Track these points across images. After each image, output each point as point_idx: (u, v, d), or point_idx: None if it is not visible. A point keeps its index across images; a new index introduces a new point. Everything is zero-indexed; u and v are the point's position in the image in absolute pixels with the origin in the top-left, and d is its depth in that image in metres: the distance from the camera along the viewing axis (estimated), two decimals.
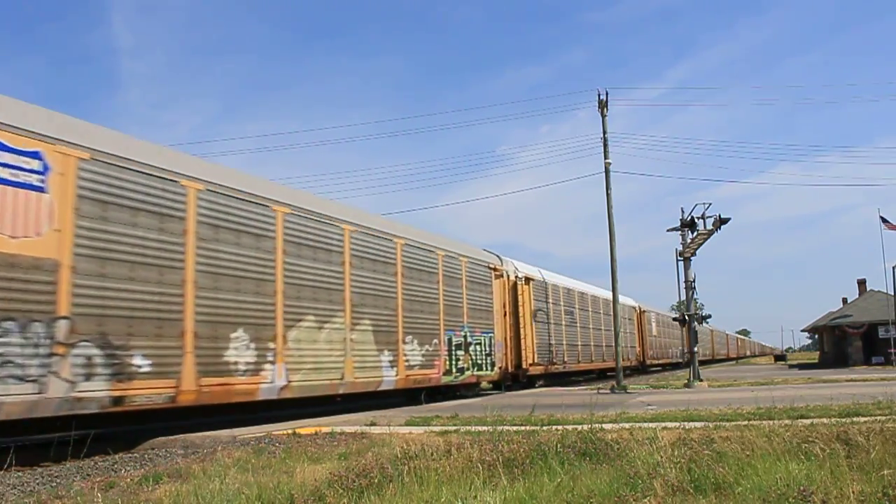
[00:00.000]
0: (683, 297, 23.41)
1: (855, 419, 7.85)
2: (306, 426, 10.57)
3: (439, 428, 9.28)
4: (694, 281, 22.91)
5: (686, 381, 21.93)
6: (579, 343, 28.90)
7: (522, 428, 8.36)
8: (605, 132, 22.13)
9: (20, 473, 7.48)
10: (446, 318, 17.60)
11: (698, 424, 8.14)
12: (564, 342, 26.71)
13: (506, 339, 21.24)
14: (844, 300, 51.14)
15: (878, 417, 8.04)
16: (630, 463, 5.57)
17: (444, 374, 17.12)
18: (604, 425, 8.01)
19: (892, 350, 37.85)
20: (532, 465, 5.70)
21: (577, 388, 24.19)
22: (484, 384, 21.84)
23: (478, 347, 19.11)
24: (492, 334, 20.13)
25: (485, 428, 8.26)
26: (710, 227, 22.70)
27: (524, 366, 22.21)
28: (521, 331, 22.25)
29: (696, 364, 22.67)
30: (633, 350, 38.11)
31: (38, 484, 6.85)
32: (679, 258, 23.01)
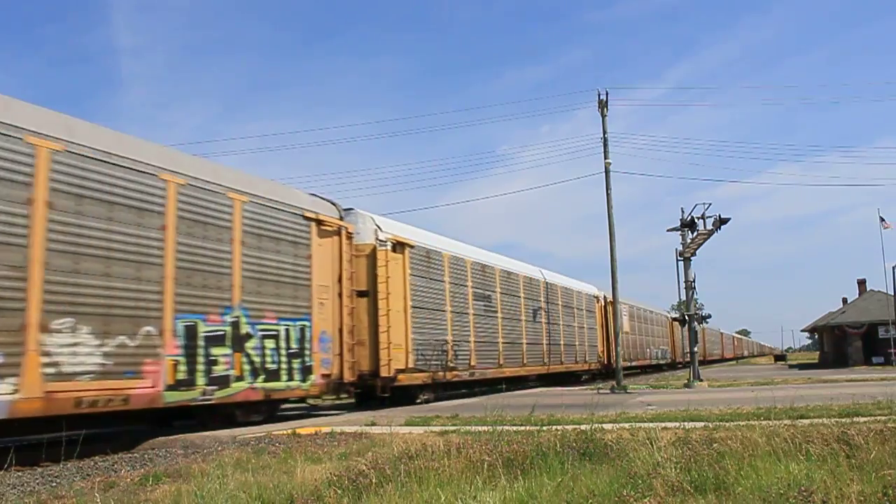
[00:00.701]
0: (683, 297, 23.43)
1: (855, 419, 7.85)
2: (306, 426, 10.58)
3: (439, 428, 9.28)
4: (694, 281, 22.94)
5: (686, 381, 21.96)
6: (501, 340, 21.23)
7: (522, 428, 8.36)
8: (605, 132, 22.16)
9: (20, 473, 7.48)
10: (184, 292, 10.26)
11: (698, 424, 8.14)
12: (473, 339, 19.24)
13: (341, 330, 13.68)
14: (844, 300, 51.18)
15: (878, 417, 8.05)
16: (630, 463, 5.57)
17: (174, 386, 9.98)
18: (604, 425, 8.01)
19: (892, 350, 37.87)
20: (532, 465, 5.70)
21: (577, 387, 24.18)
22: (324, 399, 15.29)
23: (269, 343, 11.81)
24: (307, 323, 12.75)
25: (485, 428, 8.27)
26: (709, 227, 22.73)
27: (388, 373, 14.97)
28: (383, 320, 15.02)
29: (696, 364, 22.69)
30: (593, 350, 30.85)
31: (38, 484, 6.85)
32: (679, 258, 23.03)
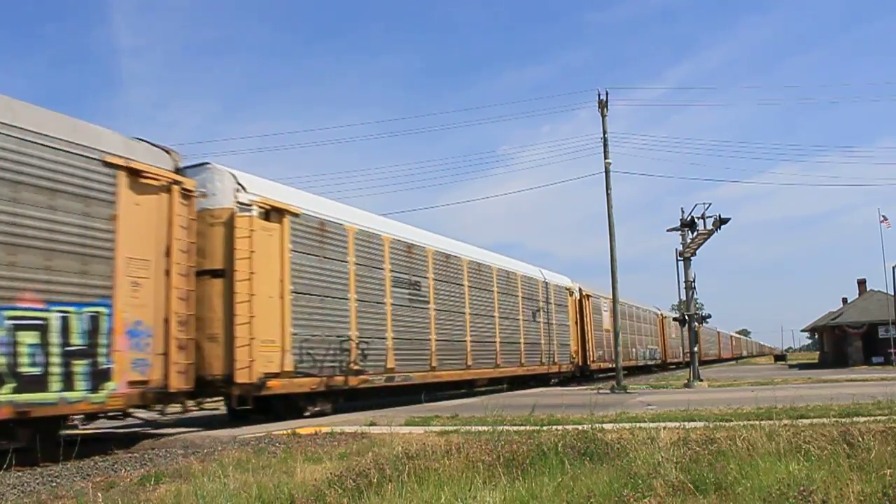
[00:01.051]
0: (683, 297, 23.43)
1: (855, 419, 7.85)
2: (306, 426, 10.59)
3: (439, 428, 9.29)
4: (694, 281, 22.95)
5: (686, 381, 21.97)
6: (433, 338, 17.26)
7: (522, 428, 8.37)
8: (605, 132, 22.16)
9: (20, 473, 7.48)
10: None
11: (698, 424, 8.14)
12: (390, 335, 15.35)
13: (168, 321, 10.12)
14: (844, 300, 51.21)
15: (878, 417, 8.05)
16: (630, 463, 5.57)
17: None
18: (604, 425, 8.01)
19: (892, 350, 37.88)
20: (532, 465, 5.70)
21: (577, 387, 24.18)
22: (164, 414, 10.89)
23: (28, 337, 8.36)
24: (104, 309, 9.28)
25: (485, 428, 8.27)
26: (710, 227, 22.75)
27: (248, 378, 11.23)
28: (242, 308, 11.36)
29: (696, 364, 22.71)
30: (564, 349, 26.56)
31: (38, 484, 6.85)
32: (679, 258, 23.04)
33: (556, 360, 25.72)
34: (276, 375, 11.87)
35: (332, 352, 13.38)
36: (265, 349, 11.68)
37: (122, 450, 9.29)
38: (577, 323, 28.38)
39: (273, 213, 12.41)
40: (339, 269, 13.94)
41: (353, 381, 13.92)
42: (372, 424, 10.42)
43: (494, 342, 20.91)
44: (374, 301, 15.00)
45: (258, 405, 12.13)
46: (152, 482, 6.22)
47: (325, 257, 13.53)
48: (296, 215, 12.89)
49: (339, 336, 13.65)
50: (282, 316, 12.22)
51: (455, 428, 9.06)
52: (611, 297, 32.98)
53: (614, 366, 31.47)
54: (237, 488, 5.28)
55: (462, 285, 19.29)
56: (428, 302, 17.27)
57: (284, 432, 9.70)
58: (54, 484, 6.80)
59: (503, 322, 21.62)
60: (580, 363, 28.19)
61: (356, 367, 13.98)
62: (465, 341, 19.02)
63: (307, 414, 12.93)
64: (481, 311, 20.25)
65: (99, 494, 5.57)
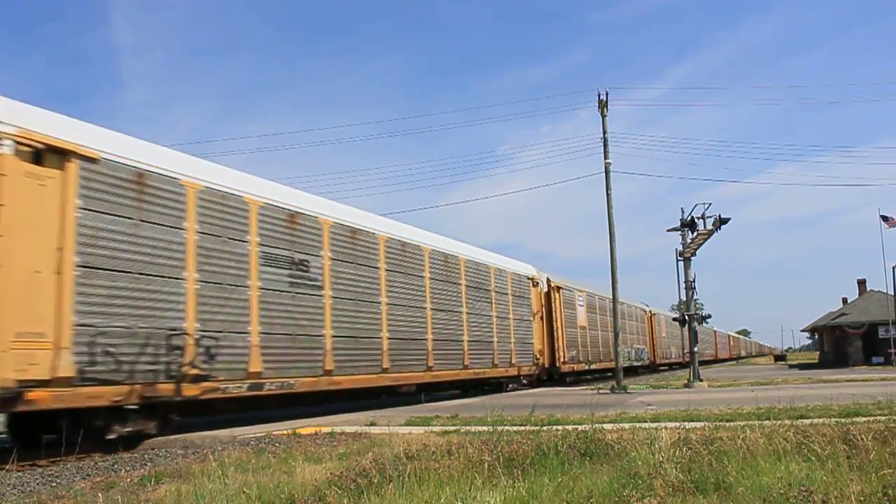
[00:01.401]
0: (683, 297, 23.45)
1: (855, 419, 7.86)
2: (306, 426, 10.59)
3: (439, 428, 9.29)
4: (694, 281, 22.96)
5: (686, 382, 21.99)
6: (329, 333, 13.36)
7: (522, 428, 8.37)
8: (605, 132, 22.16)
9: (20, 473, 7.49)
10: None
11: (698, 424, 8.14)
12: (256, 329, 11.57)
13: None
14: (844, 300, 51.22)
15: (878, 417, 8.06)
16: (630, 463, 5.57)
17: None
18: (604, 425, 8.00)
19: (892, 350, 37.90)
20: (532, 465, 5.70)
21: (577, 387, 24.17)
22: None
23: None
24: None
25: (485, 428, 8.27)
26: (709, 227, 22.77)
27: None
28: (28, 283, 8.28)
29: (696, 364, 22.72)
30: (526, 348, 22.89)
31: (38, 484, 6.85)
32: (679, 258, 23.05)
33: (514, 360, 21.85)
34: (45, 383, 8.37)
35: (151, 350, 9.77)
36: (22, 345, 8.22)
37: (123, 450, 9.28)
38: (543, 318, 24.78)
39: (49, 154, 8.82)
40: (169, 237, 10.28)
41: (192, 391, 10.30)
42: (372, 424, 10.43)
43: (425, 339, 16.88)
44: (230, 283, 11.27)
45: (42, 425, 9.43)
46: (152, 482, 6.22)
47: (143, 221, 9.89)
48: (91, 160, 9.23)
49: (167, 329, 10.02)
50: (58, 299, 8.63)
51: (455, 428, 9.07)
52: (588, 290, 30.71)
53: (594, 367, 29.33)
54: (238, 488, 5.28)
55: (377, 268, 15.31)
56: (321, 287, 13.35)
57: (284, 432, 9.71)
58: (54, 484, 6.80)
59: (438, 315, 17.55)
60: (546, 364, 24.69)
61: (196, 372, 10.36)
62: (380, 338, 15.05)
63: (112, 436, 9.39)
64: (405, 301, 16.21)
65: (99, 494, 5.57)
